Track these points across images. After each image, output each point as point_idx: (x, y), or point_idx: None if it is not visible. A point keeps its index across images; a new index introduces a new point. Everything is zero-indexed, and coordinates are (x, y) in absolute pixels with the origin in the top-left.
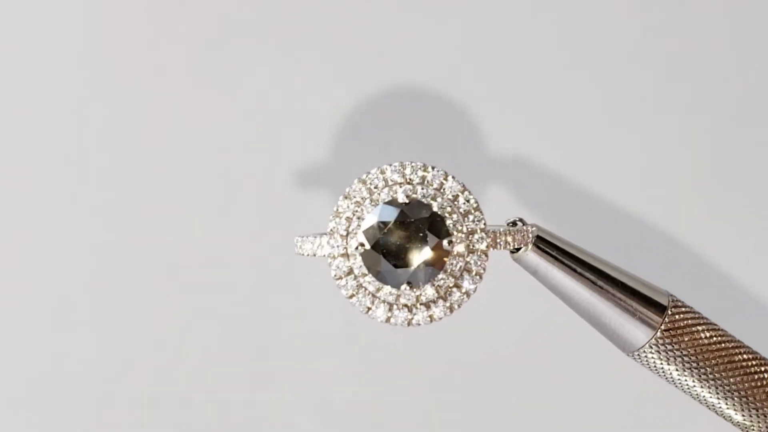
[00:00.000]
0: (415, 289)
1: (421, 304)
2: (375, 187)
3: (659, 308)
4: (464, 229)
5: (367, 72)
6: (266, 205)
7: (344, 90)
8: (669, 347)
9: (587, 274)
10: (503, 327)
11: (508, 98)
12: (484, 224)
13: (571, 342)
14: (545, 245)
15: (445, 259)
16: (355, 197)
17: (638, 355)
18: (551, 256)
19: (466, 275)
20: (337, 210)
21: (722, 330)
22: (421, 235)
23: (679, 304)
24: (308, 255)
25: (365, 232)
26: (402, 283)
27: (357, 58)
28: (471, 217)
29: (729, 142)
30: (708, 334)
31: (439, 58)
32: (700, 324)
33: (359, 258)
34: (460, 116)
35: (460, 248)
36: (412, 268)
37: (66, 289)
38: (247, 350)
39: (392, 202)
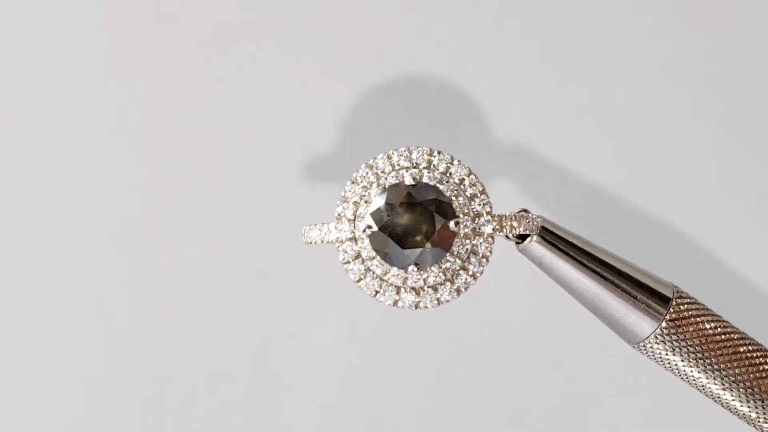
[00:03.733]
0: (422, 271)
1: (428, 287)
2: (382, 172)
3: (664, 299)
4: (470, 212)
5: (370, 65)
6: (267, 205)
7: (348, 83)
8: (674, 338)
9: (592, 266)
10: (506, 327)
11: (514, 90)
12: (490, 207)
13: (574, 338)
14: (550, 236)
15: (452, 240)
16: (362, 182)
17: (643, 346)
18: (556, 247)
19: (472, 258)
20: (344, 195)
21: (726, 321)
22: (428, 216)
23: (684, 295)
24: (316, 242)
25: (372, 214)
26: (409, 265)
27: (360, 50)
28: (477, 201)
29: (735, 137)
30: (712, 325)
31: (444, 51)
32: (704, 315)
33: (367, 241)
34: (465, 108)
35: (466, 230)
36: (419, 249)
37: (65, 288)
38: (247, 351)
39: (399, 185)
